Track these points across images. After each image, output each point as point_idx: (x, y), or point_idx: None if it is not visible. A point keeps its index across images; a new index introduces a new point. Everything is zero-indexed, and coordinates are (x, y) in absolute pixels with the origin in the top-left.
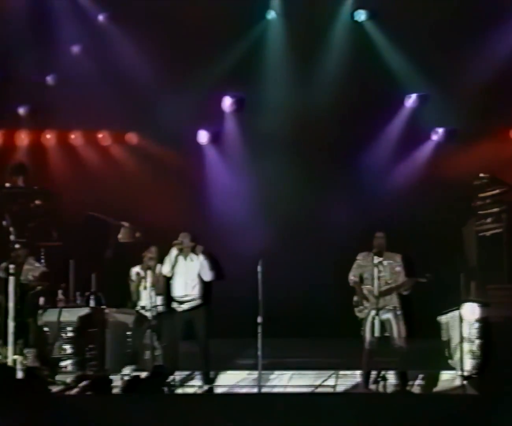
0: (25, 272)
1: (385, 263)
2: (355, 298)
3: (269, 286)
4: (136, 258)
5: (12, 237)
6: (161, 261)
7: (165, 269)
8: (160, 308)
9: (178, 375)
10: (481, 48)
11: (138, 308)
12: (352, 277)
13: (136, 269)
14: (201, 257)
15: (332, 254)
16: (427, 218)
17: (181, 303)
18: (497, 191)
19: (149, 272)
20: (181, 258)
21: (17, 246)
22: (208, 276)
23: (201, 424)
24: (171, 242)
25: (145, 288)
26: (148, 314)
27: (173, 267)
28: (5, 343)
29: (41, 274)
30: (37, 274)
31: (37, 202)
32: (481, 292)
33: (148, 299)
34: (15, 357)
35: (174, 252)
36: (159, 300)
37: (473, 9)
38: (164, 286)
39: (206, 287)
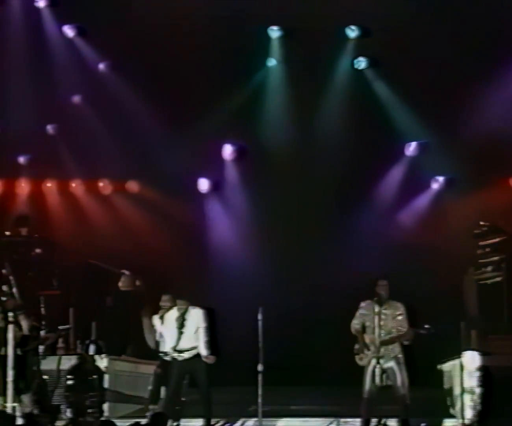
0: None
1: (387, 311)
2: (356, 346)
3: (270, 334)
4: (136, 306)
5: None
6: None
7: (171, 340)
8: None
9: (179, 423)
10: (481, 96)
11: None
12: (354, 325)
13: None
14: (200, 313)
15: (334, 302)
16: (427, 265)
17: (181, 352)
18: (497, 240)
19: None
20: (177, 315)
21: (4, 298)
22: (203, 335)
23: None
24: (171, 290)
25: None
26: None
27: (178, 339)
28: (5, 391)
29: (30, 325)
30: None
31: (37, 251)
32: (482, 341)
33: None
34: (15, 404)
35: (174, 322)
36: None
37: (473, 59)
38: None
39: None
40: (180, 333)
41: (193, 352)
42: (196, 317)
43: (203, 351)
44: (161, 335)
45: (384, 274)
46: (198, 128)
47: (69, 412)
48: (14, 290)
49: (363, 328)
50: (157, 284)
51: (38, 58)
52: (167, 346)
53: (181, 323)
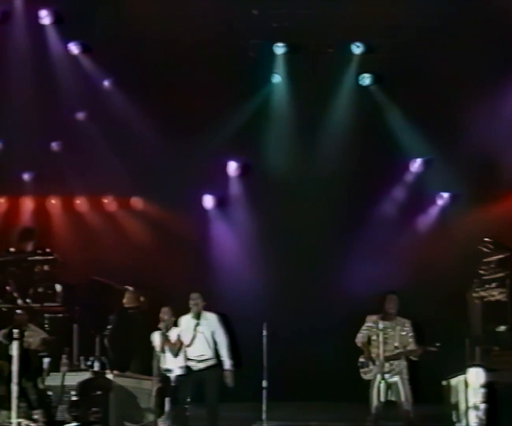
0: (26, 337)
1: (394, 327)
2: (361, 359)
3: (274, 349)
4: (140, 322)
5: (17, 301)
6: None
7: (186, 341)
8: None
9: None
10: (486, 112)
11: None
12: (360, 339)
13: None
14: (214, 317)
15: (339, 317)
16: (432, 282)
17: (198, 362)
18: (501, 256)
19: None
20: (195, 320)
21: (18, 311)
22: (222, 337)
23: None
24: (175, 306)
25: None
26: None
27: (193, 337)
28: (8, 407)
29: (41, 340)
30: (37, 340)
31: (41, 267)
32: (486, 357)
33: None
34: (19, 420)
35: (190, 321)
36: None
37: (477, 74)
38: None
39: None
40: (194, 337)
41: (209, 363)
42: (210, 320)
43: (227, 361)
44: (162, 350)
45: (392, 290)
46: (202, 144)
47: None
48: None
49: (369, 342)
50: (161, 300)
51: (42, 75)
52: (189, 354)
53: (196, 326)
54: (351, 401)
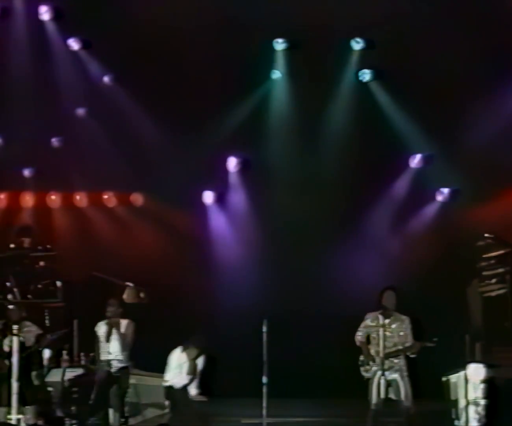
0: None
1: (392, 324)
2: (361, 357)
3: (274, 345)
4: (140, 318)
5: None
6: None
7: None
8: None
9: None
10: (486, 108)
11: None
12: (359, 337)
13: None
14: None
15: (339, 314)
16: (432, 278)
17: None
18: (501, 252)
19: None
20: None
21: (10, 306)
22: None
23: None
24: (174, 303)
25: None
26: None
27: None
28: (8, 403)
29: (36, 336)
30: (32, 336)
31: (41, 263)
32: (486, 353)
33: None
34: (19, 416)
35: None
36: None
37: (478, 71)
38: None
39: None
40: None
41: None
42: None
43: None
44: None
45: (391, 285)
46: (202, 140)
47: (73, 423)
48: (19, 301)
49: (368, 340)
50: (161, 296)
51: (42, 71)
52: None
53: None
54: (351, 397)
